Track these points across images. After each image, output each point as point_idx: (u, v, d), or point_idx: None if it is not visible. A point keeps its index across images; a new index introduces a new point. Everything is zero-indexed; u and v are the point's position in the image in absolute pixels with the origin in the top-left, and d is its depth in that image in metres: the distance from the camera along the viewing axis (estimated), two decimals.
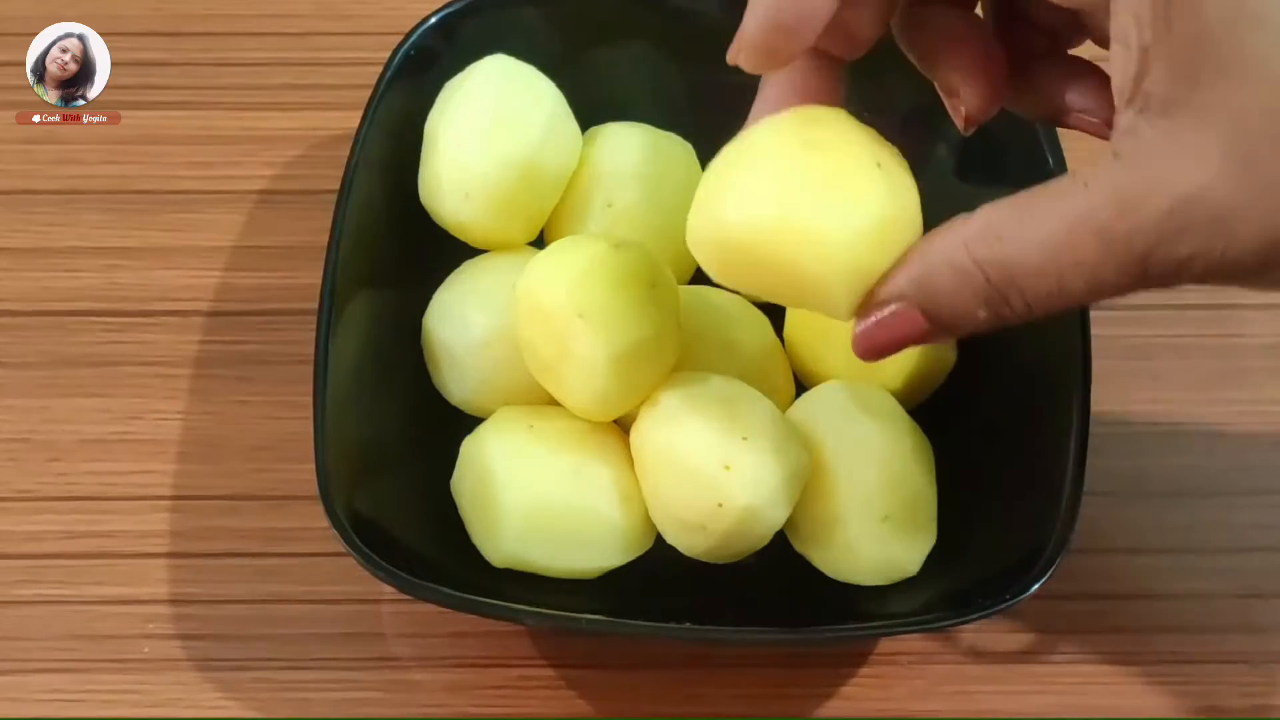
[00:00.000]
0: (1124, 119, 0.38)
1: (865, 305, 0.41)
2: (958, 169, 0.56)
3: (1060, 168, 0.53)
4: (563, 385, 0.50)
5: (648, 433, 0.49)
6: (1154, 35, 0.37)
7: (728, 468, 0.48)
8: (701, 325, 0.52)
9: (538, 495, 0.50)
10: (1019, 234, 0.39)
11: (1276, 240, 0.37)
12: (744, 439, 0.48)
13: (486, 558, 0.51)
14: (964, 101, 0.43)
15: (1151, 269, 0.38)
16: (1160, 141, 0.37)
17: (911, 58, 0.45)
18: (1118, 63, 0.38)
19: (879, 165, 0.42)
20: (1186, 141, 0.37)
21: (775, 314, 0.55)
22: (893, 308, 0.41)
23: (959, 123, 0.44)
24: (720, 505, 0.48)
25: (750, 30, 0.41)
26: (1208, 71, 0.37)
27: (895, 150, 0.43)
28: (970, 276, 0.39)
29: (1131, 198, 0.37)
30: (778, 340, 0.54)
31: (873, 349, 0.42)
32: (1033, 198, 0.39)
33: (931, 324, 0.41)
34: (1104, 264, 0.38)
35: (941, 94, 0.44)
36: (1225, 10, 0.36)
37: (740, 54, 0.42)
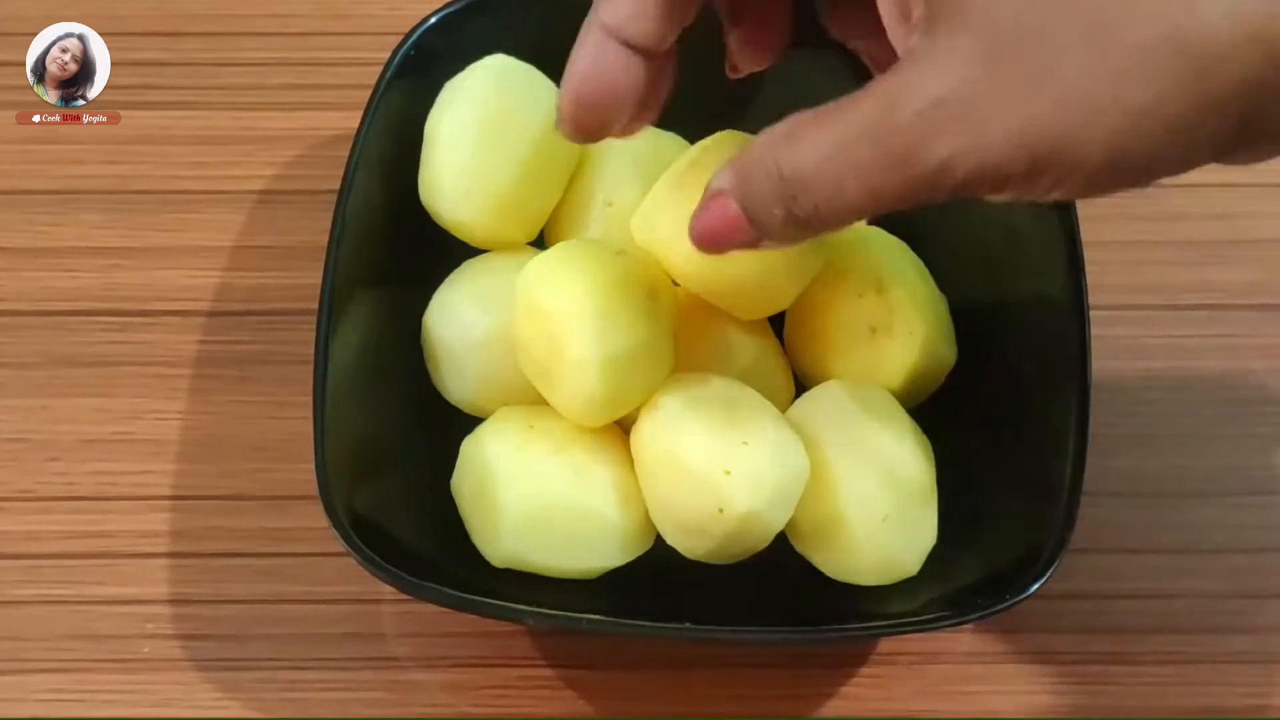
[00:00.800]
0: (906, 40, 0.40)
1: (701, 200, 0.44)
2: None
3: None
4: (554, 387, 0.50)
5: (648, 436, 0.49)
6: None
7: (728, 472, 0.48)
8: (700, 325, 0.52)
9: (537, 495, 0.50)
10: (811, 136, 0.41)
11: (1028, 139, 0.38)
12: (744, 443, 0.48)
13: (486, 558, 0.51)
14: (738, 57, 0.48)
15: (915, 170, 0.39)
16: (923, 51, 0.39)
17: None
18: (885, 9, 0.41)
19: None
20: (942, 47, 0.38)
21: (775, 315, 0.54)
22: (716, 199, 0.43)
23: (730, 68, 0.48)
24: (721, 510, 0.48)
25: (561, 106, 0.45)
26: None
27: None
28: (769, 172, 0.41)
29: (894, 101, 0.39)
30: (777, 341, 0.54)
31: (702, 236, 0.43)
32: (832, 107, 0.41)
33: (748, 217, 0.42)
34: (873, 166, 0.39)
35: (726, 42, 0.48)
36: None
37: (560, 126, 0.45)
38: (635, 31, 0.44)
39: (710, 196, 0.43)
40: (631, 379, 0.49)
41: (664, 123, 0.57)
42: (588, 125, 0.45)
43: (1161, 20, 0.37)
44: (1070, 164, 0.38)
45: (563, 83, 0.44)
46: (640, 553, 0.51)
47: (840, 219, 0.41)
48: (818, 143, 0.40)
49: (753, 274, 0.50)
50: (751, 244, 0.43)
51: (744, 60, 0.47)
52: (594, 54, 0.44)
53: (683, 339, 0.51)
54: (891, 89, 0.39)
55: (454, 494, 0.52)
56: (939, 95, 0.38)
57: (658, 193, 0.51)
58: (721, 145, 0.51)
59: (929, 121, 0.38)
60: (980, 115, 0.38)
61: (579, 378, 0.49)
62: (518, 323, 0.50)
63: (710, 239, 0.43)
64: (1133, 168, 0.38)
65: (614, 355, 0.48)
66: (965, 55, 0.38)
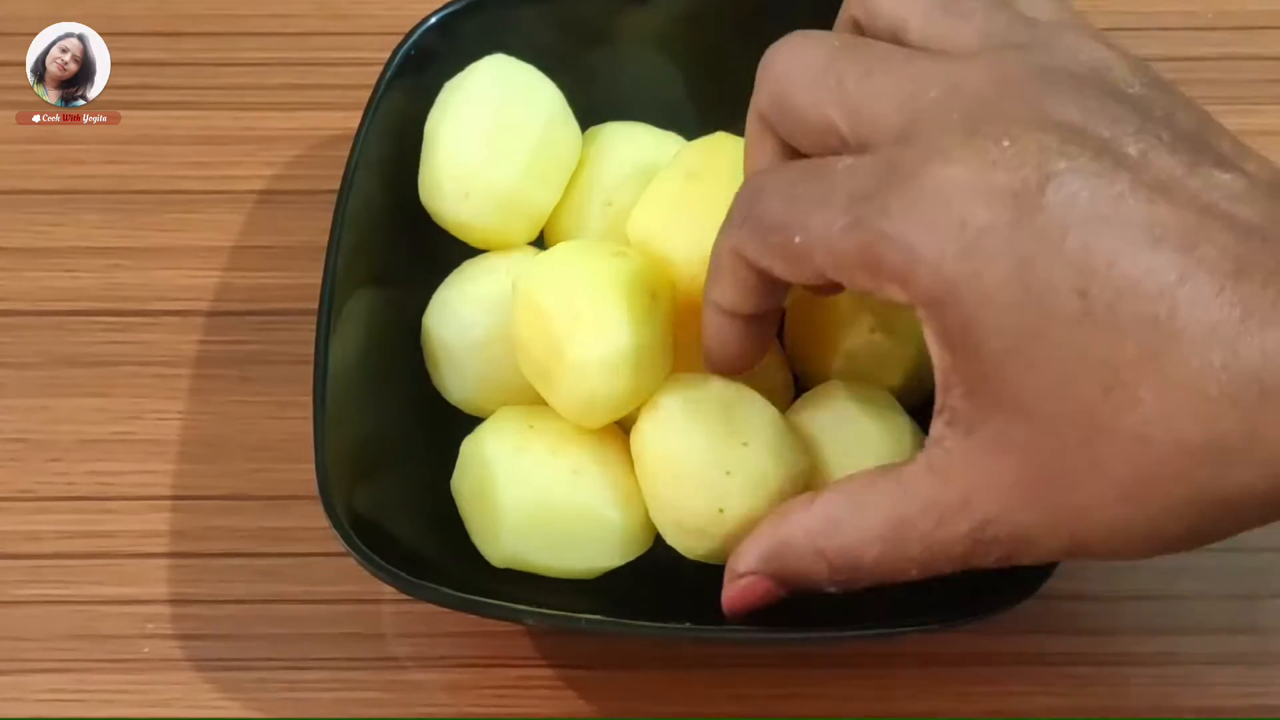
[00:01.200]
0: (936, 427, 0.43)
1: (727, 574, 0.47)
2: None
3: None
4: (553, 388, 0.50)
5: (648, 436, 0.49)
6: (951, 358, 0.41)
7: (728, 473, 0.48)
8: (698, 325, 0.52)
9: (537, 495, 0.50)
10: (854, 524, 0.44)
11: (1070, 550, 0.42)
12: (744, 444, 0.48)
13: (486, 557, 0.51)
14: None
15: (972, 563, 0.43)
16: (964, 461, 0.42)
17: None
18: (936, 362, 0.43)
19: None
20: (986, 467, 0.42)
21: None
22: (748, 580, 0.47)
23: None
24: (721, 510, 0.48)
25: (706, 365, 0.49)
26: (994, 403, 0.41)
27: None
28: (816, 561, 0.45)
29: (945, 514, 0.42)
30: (776, 341, 0.54)
31: (735, 609, 0.47)
32: (864, 491, 0.45)
33: (787, 590, 0.46)
34: (931, 560, 0.43)
35: None
36: (1002, 349, 0.40)
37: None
38: (748, 310, 0.47)
39: (740, 577, 0.47)
40: (630, 380, 0.49)
41: (664, 123, 0.58)
42: (731, 372, 0.49)
43: (1189, 480, 0.40)
44: (1103, 555, 0.43)
45: (704, 361, 0.49)
46: (640, 553, 0.51)
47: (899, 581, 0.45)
48: (868, 533, 0.44)
49: None
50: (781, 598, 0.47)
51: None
52: (717, 333, 0.48)
53: (680, 339, 0.51)
54: (938, 498, 0.43)
55: (454, 494, 0.52)
56: (992, 517, 0.42)
57: (653, 196, 0.51)
58: (716, 148, 0.51)
59: (985, 537, 0.42)
60: (1031, 536, 0.42)
61: (577, 379, 0.49)
62: (517, 323, 0.50)
63: (744, 606, 0.47)
64: (1161, 550, 0.43)
65: (613, 356, 0.48)
66: (1011, 478, 0.41)
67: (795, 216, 0.43)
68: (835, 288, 0.46)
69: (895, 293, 0.41)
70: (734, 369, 0.49)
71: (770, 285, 0.46)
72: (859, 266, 0.42)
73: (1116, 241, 0.39)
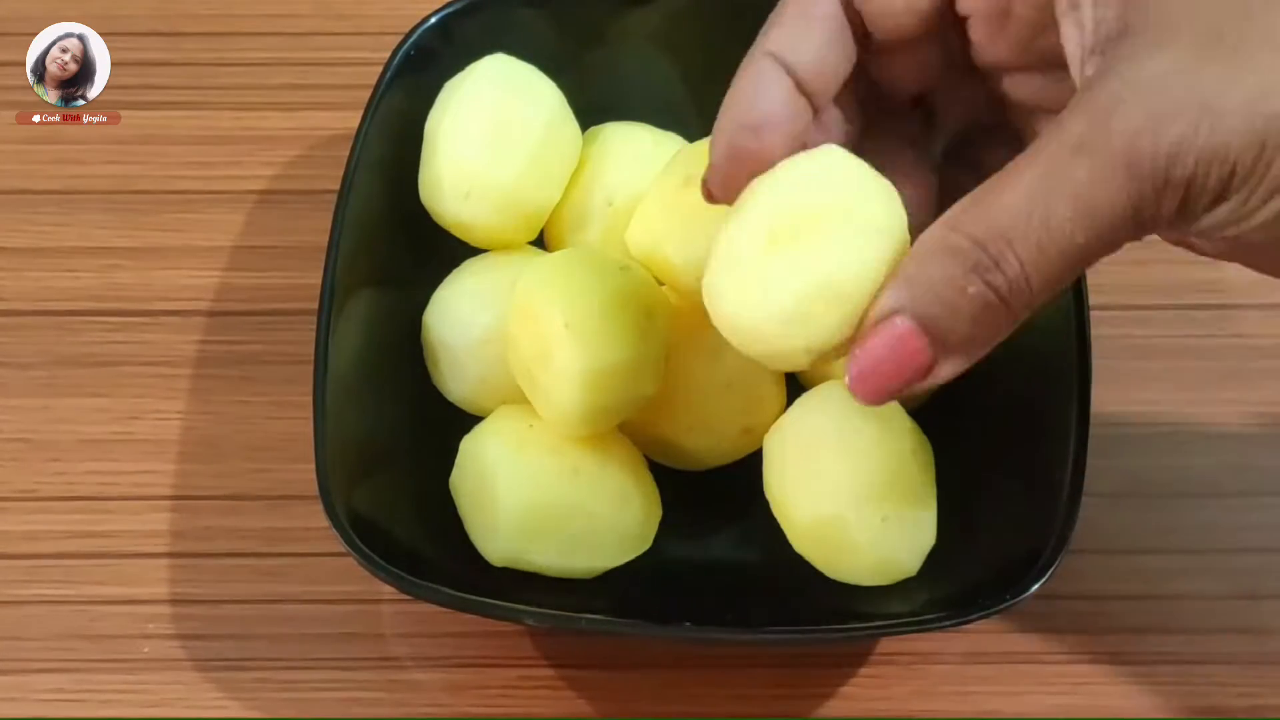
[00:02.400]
0: (1085, 74, 0.37)
1: (859, 333, 0.39)
2: None
3: None
4: (537, 391, 0.50)
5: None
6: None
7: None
8: (690, 327, 0.52)
9: (536, 494, 0.50)
10: (999, 192, 0.37)
11: (1259, 109, 0.35)
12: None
13: (485, 556, 0.51)
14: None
15: (1142, 169, 0.35)
16: (1121, 57, 0.36)
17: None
18: (1067, 28, 0.38)
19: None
20: (1145, 46, 0.36)
21: None
22: (881, 325, 0.38)
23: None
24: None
25: (714, 158, 0.42)
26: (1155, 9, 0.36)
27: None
28: (956, 247, 0.37)
29: (1104, 105, 0.36)
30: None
31: (870, 384, 0.38)
32: (1008, 167, 0.37)
33: (928, 332, 0.38)
34: (1090, 179, 0.36)
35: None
36: None
37: (710, 184, 0.42)
38: (809, 63, 0.41)
39: (872, 325, 0.38)
40: (614, 395, 0.49)
41: (664, 123, 0.58)
42: (738, 179, 0.41)
43: None
44: None
45: (715, 138, 0.41)
46: (639, 553, 0.51)
47: (1049, 277, 0.37)
48: (1014, 186, 0.36)
49: None
50: (927, 371, 0.38)
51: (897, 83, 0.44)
52: (754, 89, 0.40)
53: (678, 348, 0.51)
54: (1096, 98, 0.36)
55: (453, 492, 0.52)
56: (1156, 79, 0.35)
57: (650, 203, 0.52)
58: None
59: (1151, 109, 0.35)
60: (1207, 88, 0.35)
61: (562, 387, 0.49)
62: (511, 322, 0.50)
63: (879, 378, 0.38)
64: None
65: (599, 370, 0.48)
66: (1174, 49, 0.35)
67: None
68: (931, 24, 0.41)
69: None
70: (742, 175, 0.41)
71: (849, 29, 0.40)
72: None
73: None
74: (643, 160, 0.56)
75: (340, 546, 0.48)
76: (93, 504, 0.56)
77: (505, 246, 0.55)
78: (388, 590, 0.49)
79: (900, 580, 0.50)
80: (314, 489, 0.49)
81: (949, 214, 0.38)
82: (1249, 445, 0.57)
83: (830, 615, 0.50)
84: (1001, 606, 0.47)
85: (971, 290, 0.37)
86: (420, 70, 0.56)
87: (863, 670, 0.53)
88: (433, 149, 0.55)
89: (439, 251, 0.55)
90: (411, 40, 0.57)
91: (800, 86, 0.41)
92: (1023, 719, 0.52)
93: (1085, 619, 0.54)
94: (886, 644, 0.53)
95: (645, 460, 0.52)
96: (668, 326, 0.50)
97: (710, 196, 0.42)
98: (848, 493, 0.49)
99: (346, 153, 0.54)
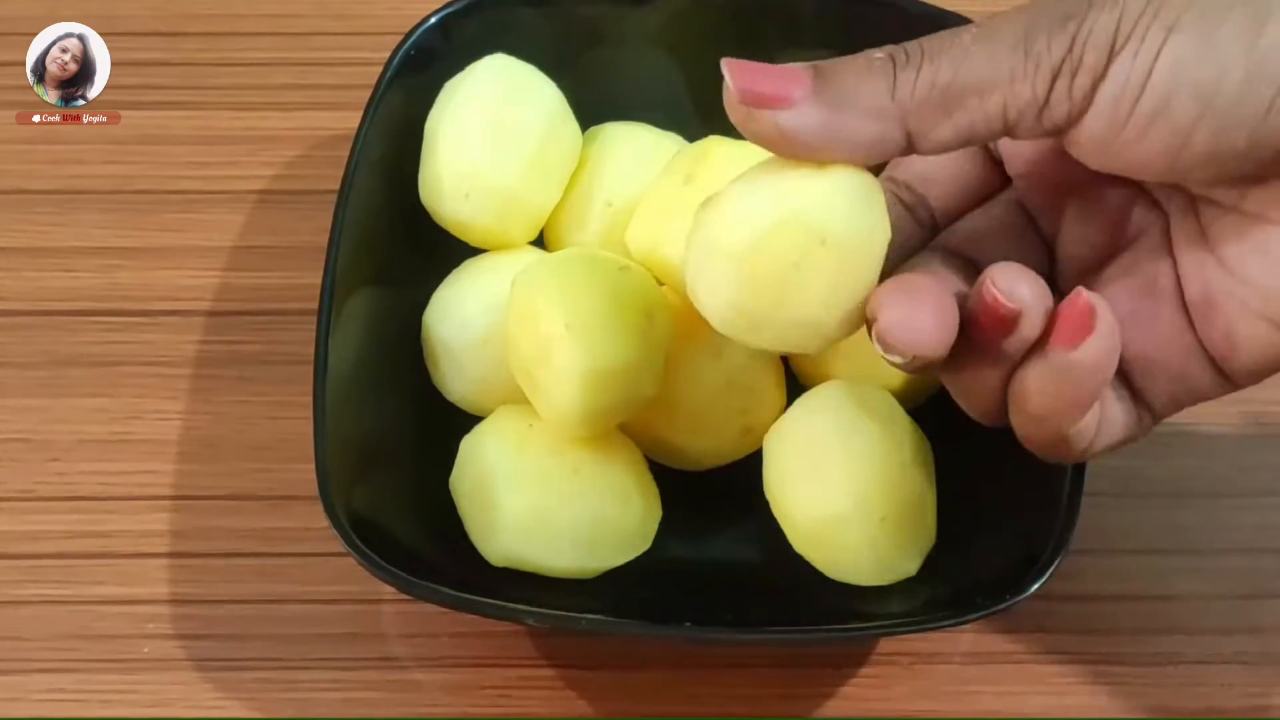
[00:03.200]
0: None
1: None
2: None
3: None
4: (537, 391, 0.50)
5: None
6: None
7: None
8: (690, 326, 0.52)
9: (536, 495, 0.50)
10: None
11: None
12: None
13: (485, 556, 0.51)
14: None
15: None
16: None
17: None
18: None
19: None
20: None
21: None
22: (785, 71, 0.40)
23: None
24: None
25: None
26: None
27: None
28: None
29: None
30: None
31: (742, 73, 0.40)
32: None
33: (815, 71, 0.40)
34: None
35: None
36: None
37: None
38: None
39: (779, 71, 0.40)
40: (614, 395, 0.49)
41: (664, 123, 0.58)
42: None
43: None
44: None
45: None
46: (639, 553, 0.51)
47: (942, 82, 0.40)
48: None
49: None
50: (791, 100, 0.40)
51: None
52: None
53: (677, 352, 0.51)
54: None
55: (453, 493, 0.52)
56: None
57: (650, 204, 0.52)
58: (710, 152, 0.51)
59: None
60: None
61: (562, 387, 0.49)
62: (510, 321, 0.50)
63: (751, 75, 0.40)
64: None
65: (599, 370, 0.48)
66: None
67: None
68: None
69: None
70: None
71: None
72: None
73: None
74: (643, 160, 0.56)
75: (340, 546, 0.48)
76: (93, 504, 0.56)
77: (505, 246, 0.55)
78: (388, 590, 0.49)
79: (900, 580, 0.50)
80: (314, 489, 0.49)
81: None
82: (1249, 445, 0.57)
83: (830, 615, 0.50)
84: (1001, 606, 0.47)
85: (877, 56, 0.40)
86: (420, 70, 0.56)
87: (863, 670, 0.53)
88: (433, 149, 0.55)
89: (439, 251, 0.55)
90: (411, 40, 0.57)
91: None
92: (1022, 719, 0.52)
93: (1085, 619, 0.54)
94: (886, 644, 0.53)
95: (645, 460, 0.52)
96: (668, 327, 0.50)
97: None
98: (847, 493, 0.49)
99: (346, 153, 0.54)
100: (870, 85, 0.40)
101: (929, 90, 0.40)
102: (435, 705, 0.52)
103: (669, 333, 0.50)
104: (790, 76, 0.40)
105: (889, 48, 0.40)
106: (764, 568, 0.52)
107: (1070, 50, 0.39)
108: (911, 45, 0.40)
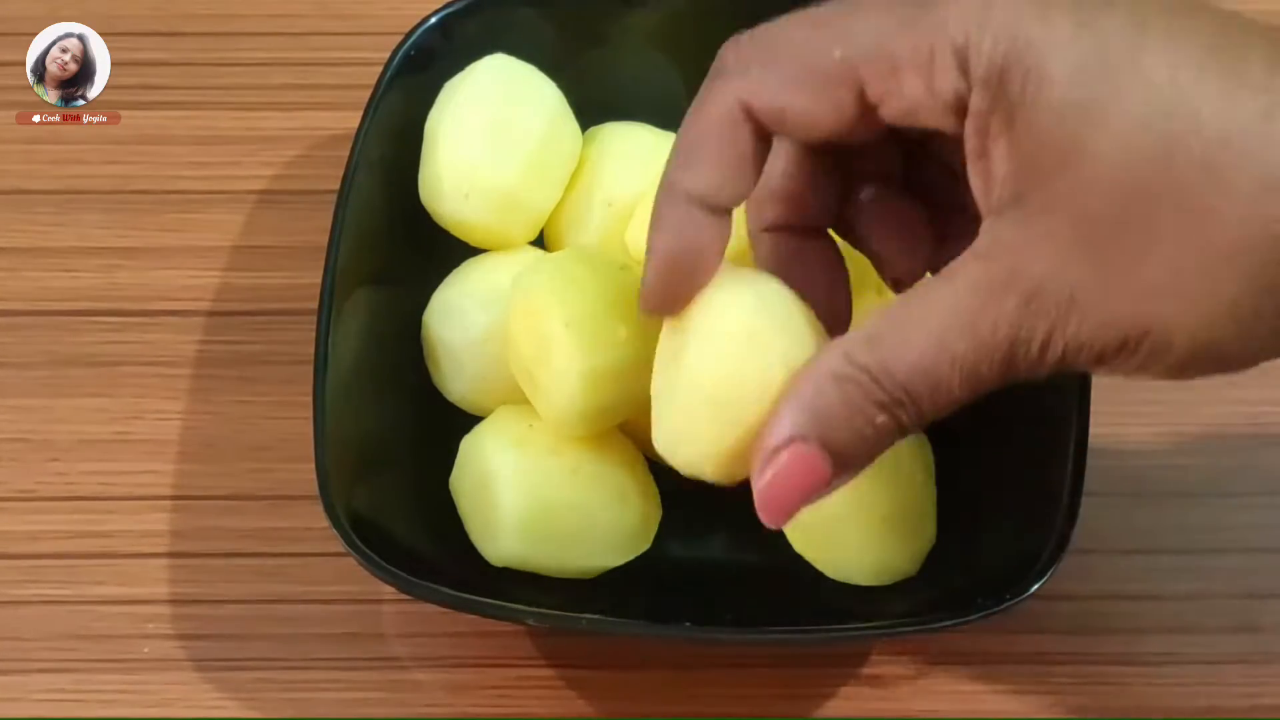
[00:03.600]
0: (983, 229, 0.40)
1: (756, 460, 0.41)
2: None
3: None
4: (536, 389, 0.50)
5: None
6: (1002, 143, 0.39)
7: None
8: None
9: (536, 494, 0.50)
10: (895, 335, 0.40)
11: (1122, 324, 0.38)
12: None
13: (485, 557, 0.51)
14: (892, 267, 0.46)
15: (1017, 354, 0.39)
16: (1016, 234, 0.39)
17: (845, 239, 0.47)
18: (973, 177, 0.40)
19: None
20: (1038, 231, 0.39)
21: None
22: (786, 451, 0.40)
23: (889, 284, 0.47)
24: None
25: (649, 284, 0.43)
26: (1051, 166, 0.38)
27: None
28: (856, 382, 0.40)
29: (993, 288, 0.39)
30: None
31: (777, 506, 0.41)
32: (906, 301, 0.41)
33: (832, 455, 0.40)
34: (975, 357, 0.39)
35: (872, 261, 0.47)
36: (1062, 114, 0.38)
37: (648, 304, 0.43)
38: (728, 196, 0.42)
39: (775, 450, 0.40)
40: (613, 395, 0.49)
41: (664, 123, 0.58)
42: (677, 296, 0.43)
43: (1250, 223, 0.37)
44: (1157, 348, 0.39)
45: (649, 263, 0.43)
46: (639, 552, 0.51)
47: (936, 415, 0.40)
48: (909, 341, 0.40)
49: None
50: (826, 487, 0.41)
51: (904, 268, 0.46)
52: (680, 226, 0.42)
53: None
54: (985, 276, 0.39)
55: (453, 493, 0.52)
56: (1042, 278, 0.38)
57: (650, 203, 0.51)
58: None
59: (1035, 305, 0.39)
60: (1083, 296, 0.38)
61: (561, 387, 0.49)
62: (511, 320, 0.50)
63: (787, 499, 0.41)
64: (1213, 358, 0.39)
65: (598, 369, 0.48)
66: (1065, 238, 0.38)
67: (829, 35, 0.40)
68: (847, 131, 0.42)
69: (946, 81, 0.39)
70: (681, 292, 0.43)
71: (763, 151, 0.42)
72: (910, 64, 0.39)
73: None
74: (643, 160, 0.56)
75: (340, 546, 0.48)
76: (93, 504, 0.56)
77: (505, 246, 0.55)
78: (388, 590, 0.49)
79: (900, 580, 0.50)
80: (314, 489, 0.49)
81: (845, 342, 0.40)
82: (1249, 445, 0.57)
83: (830, 615, 0.50)
84: (1001, 606, 0.47)
85: (879, 420, 0.40)
86: (420, 70, 0.56)
87: (863, 670, 0.53)
88: (433, 149, 0.55)
89: (439, 251, 0.55)
90: (411, 40, 0.57)
91: (718, 209, 0.42)
92: (1023, 719, 0.52)
93: (1085, 619, 0.54)
94: (886, 644, 0.53)
95: (645, 460, 0.52)
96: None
97: (651, 313, 0.44)
98: (848, 493, 0.49)
99: (346, 153, 0.54)
100: (883, 446, 0.41)
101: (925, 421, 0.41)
102: (435, 705, 0.52)
103: None
104: (817, 477, 0.40)
105: (862, 382, 0.40)
106: (764, 568, 0.52)
107: None
108: (888, 379, 0.40)
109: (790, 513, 0.41)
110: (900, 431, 0.40)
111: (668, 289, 0.43)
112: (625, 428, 0.52)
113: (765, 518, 0.41)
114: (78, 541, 0.55)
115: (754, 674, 0.53)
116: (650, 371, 0.49)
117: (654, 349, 0.49)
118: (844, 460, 0.40)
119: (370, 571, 0.48)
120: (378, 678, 0.53)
